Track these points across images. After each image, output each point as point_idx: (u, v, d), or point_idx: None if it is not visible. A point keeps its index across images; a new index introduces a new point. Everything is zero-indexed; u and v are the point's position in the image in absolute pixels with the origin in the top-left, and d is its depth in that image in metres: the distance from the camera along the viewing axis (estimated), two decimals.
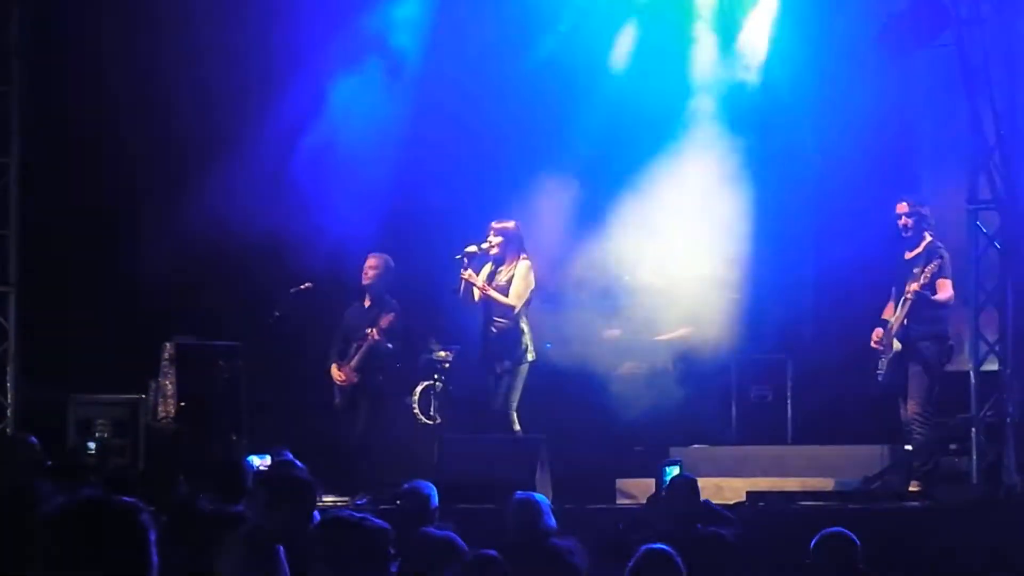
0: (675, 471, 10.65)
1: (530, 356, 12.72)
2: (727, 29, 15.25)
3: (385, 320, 13.07)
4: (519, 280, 12.72)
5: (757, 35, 15.21)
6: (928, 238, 12.15)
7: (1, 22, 13.02)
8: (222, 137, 14.43)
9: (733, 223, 14.66)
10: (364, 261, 13.37)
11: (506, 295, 12.71)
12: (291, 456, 9.97)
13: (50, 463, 9.54)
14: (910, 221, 12.20)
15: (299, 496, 6.76)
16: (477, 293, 12.74)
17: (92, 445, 12.10)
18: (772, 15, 15.12)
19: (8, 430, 12.67)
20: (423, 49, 14.97)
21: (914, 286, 11.93)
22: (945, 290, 12.01)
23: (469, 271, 12.73)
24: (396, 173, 14.82)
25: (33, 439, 10.33)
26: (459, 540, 7.70)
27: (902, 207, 12.25)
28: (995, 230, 12.33)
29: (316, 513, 6.71)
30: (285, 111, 14.52)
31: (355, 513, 5.37)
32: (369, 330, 13.06)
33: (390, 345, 13.16)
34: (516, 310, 12.68)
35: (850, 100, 14.66)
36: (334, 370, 13.29)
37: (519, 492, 8.65)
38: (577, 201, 14.77)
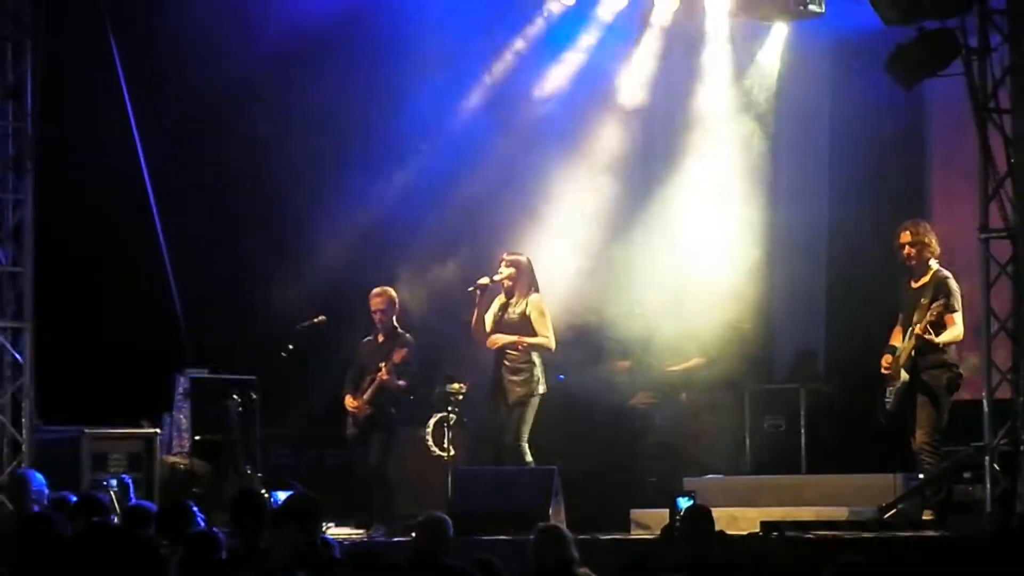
0: (689, 502, 10.64)
1: (541, 388, 12.74)
2: (738, 56, 15.29)
3: (398, 355, 13.07)
4: (540, 317, 12.75)
5: (767, 62, 15.25)
6: (934, 267, 12.08)
7: (15, 57, 13.05)
8: (234, 169, 14.48)
9: (744, 252, 14.69)
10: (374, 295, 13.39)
11: (519, 330, 12.72)
12: (299, 487, 9.99)
13: (71, 498, 9.54)
14: (913, 251, 12.07)
15: (303, 516, 6.80)
16: (502, 339, 12.72)
17: (114, 483, 12.11)
18: (783, 43, 15.15)
19: (23, 465, 12.67)
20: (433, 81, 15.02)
21: (918, 328, 11.86)
22: (953, 327, 11.94)
23: (497, 335, 12.72)
24: (408, 206, 14.86)
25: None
26: (473, 572, 7.70)
27: (904, 236, 12.08)
28: (1007, 258, 12.30)
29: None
30: (292, 139, 14.57)
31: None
32: (382, 364, 13.07)
33: (401, 382, 13.17)
34: (553, 346, 12.76)
35: (860, 127, 14.69)
36: (348, 400, 13.30)
37: (542, 523, 8.67)
38: (589, 231, 14.80)
